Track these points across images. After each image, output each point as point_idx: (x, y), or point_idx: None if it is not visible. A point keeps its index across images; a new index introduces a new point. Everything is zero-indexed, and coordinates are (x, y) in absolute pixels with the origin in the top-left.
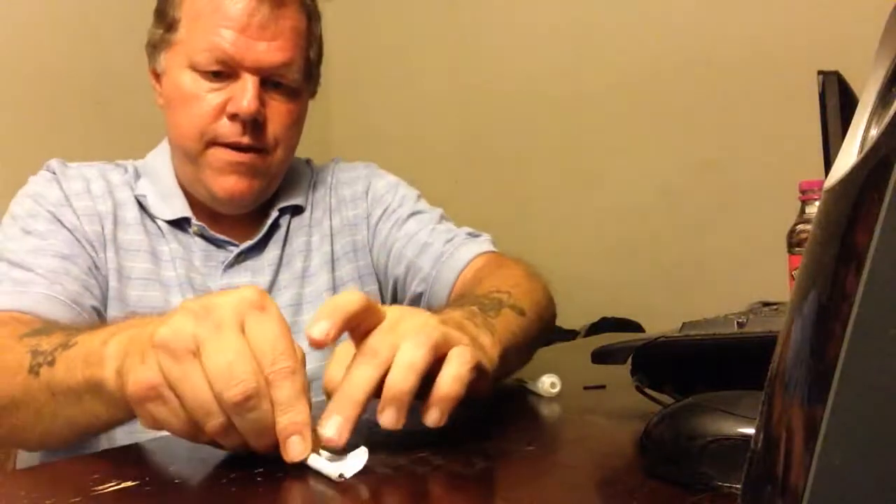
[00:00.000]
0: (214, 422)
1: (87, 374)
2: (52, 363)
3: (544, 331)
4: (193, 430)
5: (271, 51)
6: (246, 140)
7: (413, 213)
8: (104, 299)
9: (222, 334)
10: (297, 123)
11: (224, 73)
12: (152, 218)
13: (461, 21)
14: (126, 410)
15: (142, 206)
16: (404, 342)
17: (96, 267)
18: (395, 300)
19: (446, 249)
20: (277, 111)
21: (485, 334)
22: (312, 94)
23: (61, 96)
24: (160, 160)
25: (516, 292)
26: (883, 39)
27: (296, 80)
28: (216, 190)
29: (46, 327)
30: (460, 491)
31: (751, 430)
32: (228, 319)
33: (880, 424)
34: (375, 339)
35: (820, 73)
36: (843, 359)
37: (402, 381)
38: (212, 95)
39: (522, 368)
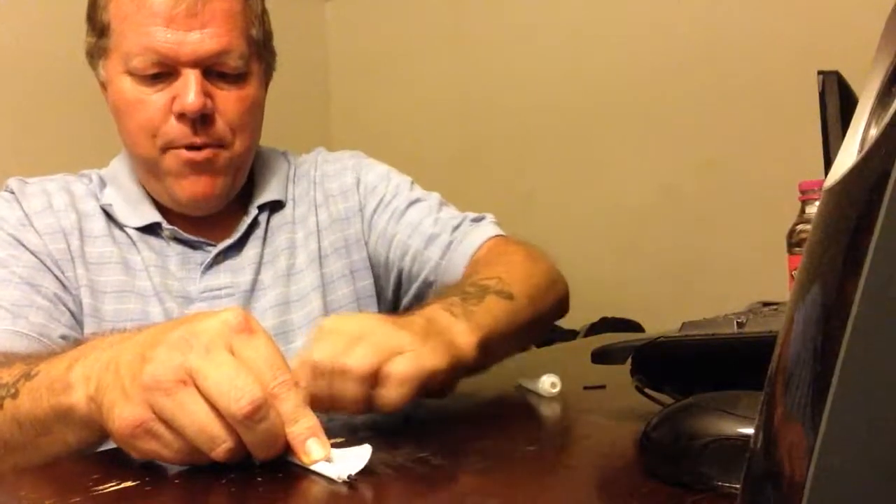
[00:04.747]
0: (221, 447)
1: (52, 402)
2: (15, 395)
3: (542, 314)
4: (188, 458)
5: (205, 40)
6: (199, 139)
7: (411, 203)
8: (77, 321)
9: (213, 355)
10: (252, 109)
11: (163, 73)
12: (121, 227)
13: (462, 20)
14: (98, 433)
15: (109, 216)
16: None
17: (64, 288)
18: (399, 290)
19: (454, 237)
20: (227, 101)
21: (460, 323)
22: (268, 73)
23: (62, 98)
24: (123, 167)
25: (507, 277)
26: (883, 39)
27: (239, 66)
28: (179, 194)
29: (6, 360)
30: (460, 491)
31: (751, 430)
32: (216, 342)
33: (880, 424)
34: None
35: (820, 73)
36: (842, 359)
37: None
38: (156, 97)
39: (519, 354)
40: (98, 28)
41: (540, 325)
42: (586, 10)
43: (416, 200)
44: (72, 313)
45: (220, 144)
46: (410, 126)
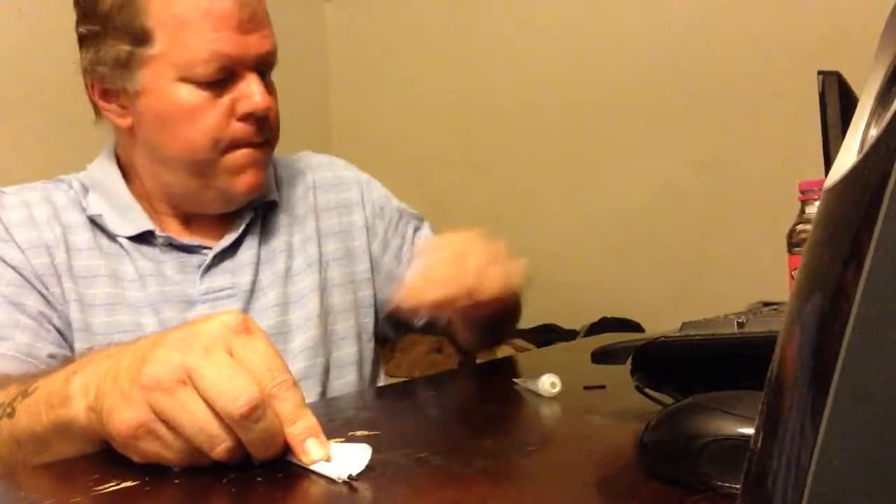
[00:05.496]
0: (221, 446)
1: (52, 416)
2: (11, 414)
3: (514, 322)
4: (189, 459)
5: (262, 40)
6: (261, 138)
7: (416, 229)
8: (63, 338)
9: (212, 356)
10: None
11: (223, 77)
12: (111, 237)
13: (461, 21)
14: (98, 446)
15: (96, 226)
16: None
17: (49, 304)
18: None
19: None
20: (271, 97)
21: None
22: None
23: (60, 100)
24: (109, 174)
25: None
26: (883, 39)
27: (275, 64)
28: (236, 189)
29: (0, 381)
30: (460, 491)
31: (751, 430)
32: (215, 343)
33: (880, 425)
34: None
35: (820, 73)
36: (842, 359)
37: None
38: (217, 101)
39: (495, 351)
40: (134, 36)
41: (502, 333)
42: (586, 11)
43: (417, 228)
44: (58, 330)
45: (270, 140)
46: (410, 126)
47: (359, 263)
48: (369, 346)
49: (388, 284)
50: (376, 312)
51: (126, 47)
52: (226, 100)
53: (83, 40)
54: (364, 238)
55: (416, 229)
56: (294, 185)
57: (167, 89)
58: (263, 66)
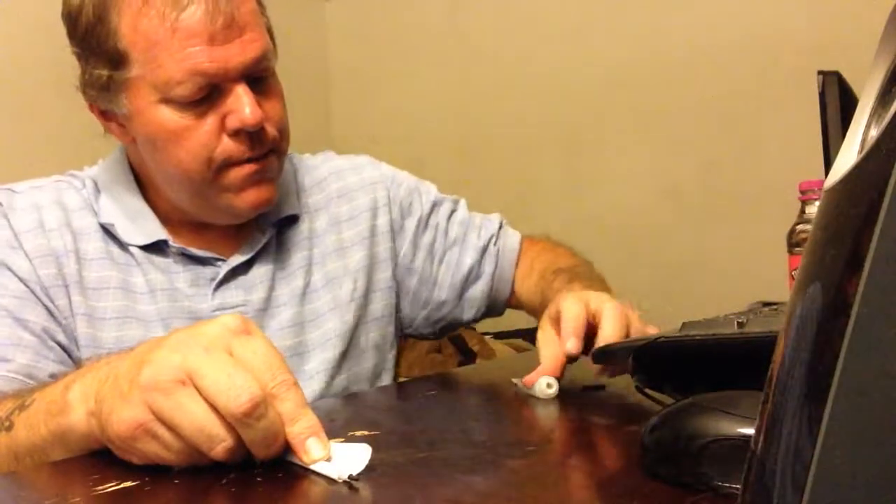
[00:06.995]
0: (220, 446)
1: (51, 425)
2: (10, 428)
3: None
4: (189, 459)
5: (245, 47)
6: (257, 152)
7: (450, 214)
8: (67, 353)
9: (212, 356)
10: (285, 105)
11: (206, 94)
12: (122, 246)
13: (462, 20)
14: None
15: (108, 233)
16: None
17: (53, 318)
18: (444, 305)
19: (498, 246)
20: (270, 104)
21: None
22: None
23: (58, 97)
24: (120, 179)
25: (583, 270)
26: (883, 39)
27: (271, 65)
28: (240, 206)
29: None
30: (460, 491)
31: (751, 430)
32: (215, 343)
33: (880, 424)
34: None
35: (820, 73)
36: (842, 359)
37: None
38: (204, 120)
39: None
40: (110, 59)
41: None
42: (587, 11)
43: (453, 211)
44: (61, 346)
45: (273, 150)
46: (410, 126)
47: (381, 271)
48: (390, 356)
49: (423, 287)
50: (398, 321)
51: (105, 71)
52: (213, 117)
53: (77, 59)
54: (388, 243)
55: (452, 212)
56: (316, 193)
57: (151, 112)
58: (253, 74)
